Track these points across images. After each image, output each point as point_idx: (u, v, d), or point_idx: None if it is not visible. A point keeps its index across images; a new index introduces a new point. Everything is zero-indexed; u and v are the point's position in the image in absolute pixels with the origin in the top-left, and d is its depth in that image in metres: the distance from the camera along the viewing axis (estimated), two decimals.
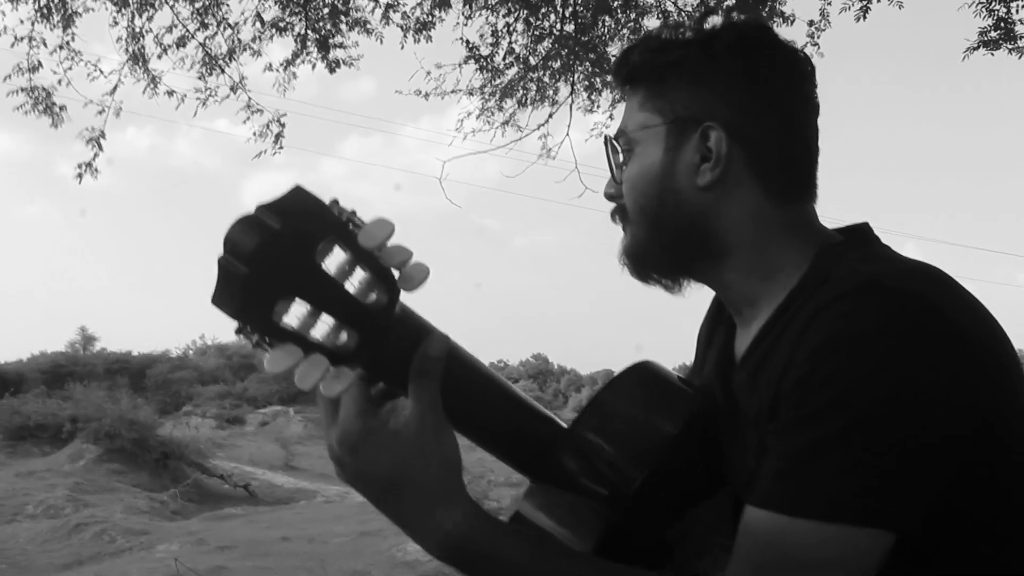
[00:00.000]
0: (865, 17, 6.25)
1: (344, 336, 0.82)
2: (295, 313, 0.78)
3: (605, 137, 1.11)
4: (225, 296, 0.75)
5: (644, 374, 1.14)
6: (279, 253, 0.74)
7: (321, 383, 0.81)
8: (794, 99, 1.06)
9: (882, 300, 0.86)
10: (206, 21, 6.84)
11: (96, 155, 6.83)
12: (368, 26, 6.94)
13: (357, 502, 18.69)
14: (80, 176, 6.82)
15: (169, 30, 6.88)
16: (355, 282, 0.80)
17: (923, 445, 0.82)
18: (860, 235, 1.07)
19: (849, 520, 0.81)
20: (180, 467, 19.58)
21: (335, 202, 0.80)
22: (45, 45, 6.80)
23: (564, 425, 1.11)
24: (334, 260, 0.79)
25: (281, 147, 7.26)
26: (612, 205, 1.14)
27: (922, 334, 0.83)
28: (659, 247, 1.07)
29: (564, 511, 1.04)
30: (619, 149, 1.08)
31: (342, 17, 6.84)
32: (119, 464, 18.83)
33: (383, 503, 0.96)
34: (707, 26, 1.06)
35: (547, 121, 6.86)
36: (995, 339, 0.90)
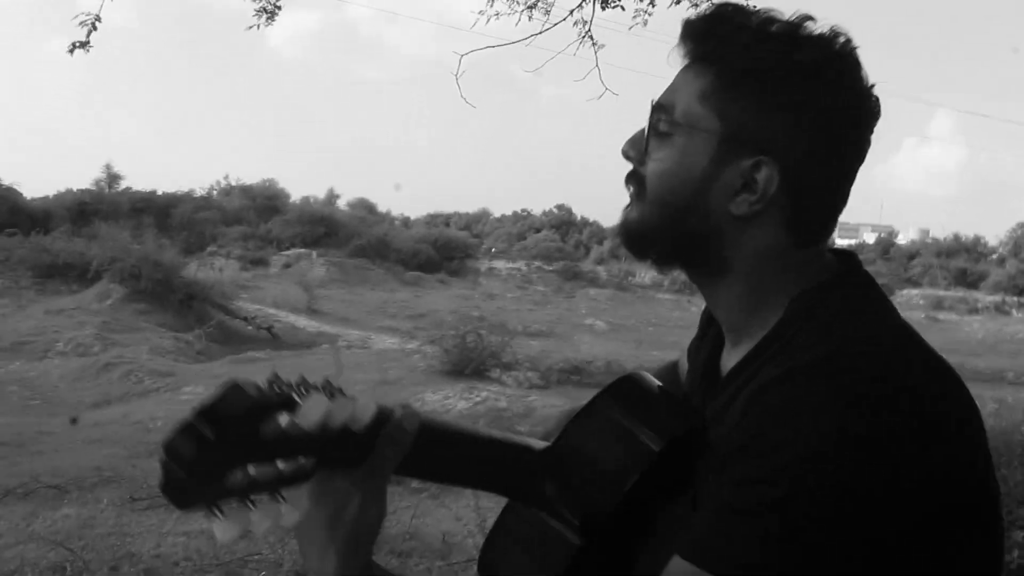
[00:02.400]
0: None
1: (300, 461, 0.86)
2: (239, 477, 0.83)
3: (659, 103, 1.02)
4: (169, 493, 0.81)
5: (629, 390, 1.12)
6: (216, 457, 0.79)
7: (281, 520, 0.85)
8: (854, 147, 1.00)
9: (838, 380, 0.85)
10: None
11: None
12: None
13: (377, 350, 19.10)
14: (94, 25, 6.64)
15: None
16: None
17: (849, 526, 0.82)
18: (846, 274, 1.03)
19: None
20: (204, 308, 19.94)
21: (274, 381, 0.84)
22: None
23: (542, 446, 1.11)
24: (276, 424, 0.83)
25: None
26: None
27: (867, 419, 0.83)
28: (667, 242, 1.04)
29: (535, 540, 1.05)
30: (659, 122, 1.01)
31: None
32: (145, 304, 19.19)
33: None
34: (796, 37, 0.97)
35: (580, 5, 6.50)
36: (954, 407, 0.90)
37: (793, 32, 0.97)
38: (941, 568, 0.88)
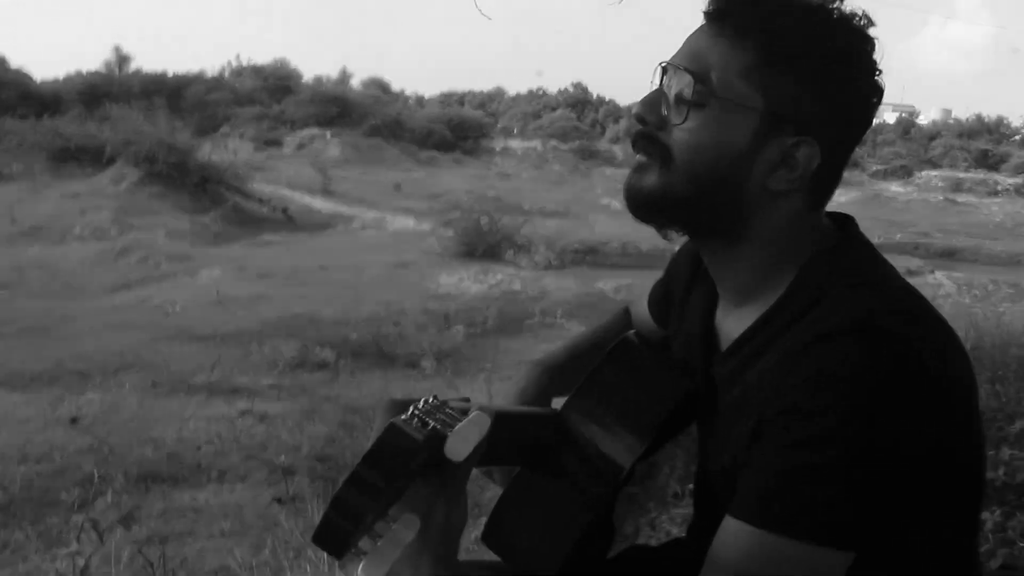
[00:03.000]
0: None
1: None
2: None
3: (670, 67, 1.03)
4: (329, 543, 0.79)
5: (632, 354, 1.16)
6: (381, 504, 0.80)
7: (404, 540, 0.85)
8: (869, 124, 1.06)
9: (870, 345, 0.90)
10: None
11: None
12: None
13: (392, 231, 19.15)
14: None
15: None
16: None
17: (895, 479, 0.90)
18: (849, 239, 1.07)
19: (828, 542, 0.89)
20: (219, 191, 19.94)
21: (419, 413, 0.82)
22: None
23: (552, 412, 1.15)
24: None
25: None
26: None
27: (902, 381, 0.89)
28: (693, 213, 1.05)
29: (553, 506, 1.09)
30: (692, 92, 1.00)
31: None
32: (160, 187, 19.20)
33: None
34: (835, 20, 1.00)
35: None
36: (961, 374, 0.97)
37: (831, 15, 0.99)
38: (948, 515, 0.99)
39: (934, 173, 38.09)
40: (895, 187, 33.24)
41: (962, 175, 37.70)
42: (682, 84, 1.01)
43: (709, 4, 1.01)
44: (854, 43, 1.00)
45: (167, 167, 19.22)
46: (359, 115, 33.36)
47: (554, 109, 42.34)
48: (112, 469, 5.64)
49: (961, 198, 31.71)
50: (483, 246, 14.55)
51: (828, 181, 1.04)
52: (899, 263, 16.33)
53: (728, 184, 1.01)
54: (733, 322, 1.10)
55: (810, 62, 0.98)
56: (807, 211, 1.04)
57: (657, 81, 1.05)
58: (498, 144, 35.42)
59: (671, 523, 2.59)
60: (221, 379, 7.76)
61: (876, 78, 1.02)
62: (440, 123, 34.14)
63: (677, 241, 1.19)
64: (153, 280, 13.01)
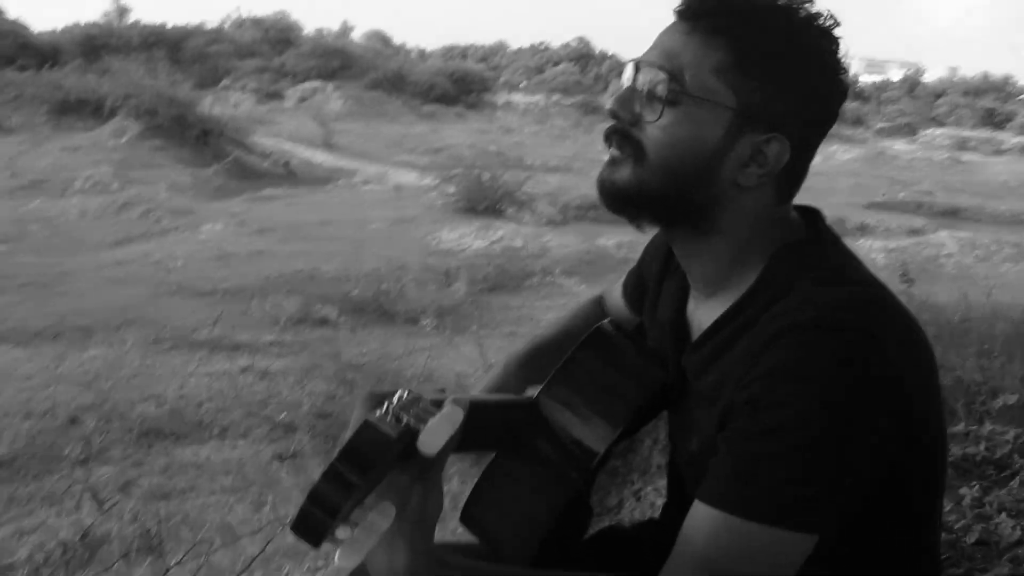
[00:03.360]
0: None
1: None
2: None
3: (643, 64, 1.05)
4: (305, 534, 0.82)
5: (606, 343, 1.19)
6: (356, 497, 0.83)
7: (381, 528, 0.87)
8: (834, 119, 1.09)
9: (833, 338, 0.94)
10: None
11: None
12: None
13: (393, 186, 19.09)
14: None
15: None
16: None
17: (854, 467, 0.94)
18: (816, 233, 1.10)
19: (791, 526, 0.93)
20: (221, 144, 19.86)
21: (392, 409, 0.84)
22: None
23: (527, 399, 1.17)
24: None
25: None
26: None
27: (864, 374, 0.93)
28: (665, 207, 1.07)
29: (526, 490, 1.13)
30: (666, 90, 1.02)
31: None
32: (161, 140, 19.12)
33: None
34: (804, 19, 1.03)
35: None
36: (921, 367, 1.01)
37: (799, 15, 1.03)
38: (910, 500, 1.04)
39: (939, 131, 37.81)
40: (899, 145, 33.04)
41: (967, 133, 37.41)
42: (656, 81, 1.03)
43: (681, 3, 1.04)
44: (822, 43, 1.03)
45: (168, 120, 19.13)
46: (361, 68, 33.11)
47: (557, 64, 41.98)
48: (114, 425, 5.70)
49: (966, 156, 31.49)
50: (485, 202, 14.52)
51: (796, 175, 1.07)
52: (902, 222, 16.28)
53: (700, 180, 1.04)
54: (703, 312, 1.13)
55: (780, 61, 1.01)
56: (775, 204, 1.08)
57: (630, 77, 1.07)
58: (500, 98, 35.16)
59: (656, 495, 2.62)
60: (222, 335, 7.80)
61: (841, 76, 1.05)
62: (442, 76, 33.87)
63: (650, 232, 1.20)
64: (154, 235, 13.01)
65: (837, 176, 25.53)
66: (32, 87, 21.39)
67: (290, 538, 3.70)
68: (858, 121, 36.70)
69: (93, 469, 5.25)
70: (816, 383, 0.92)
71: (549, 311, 9.03)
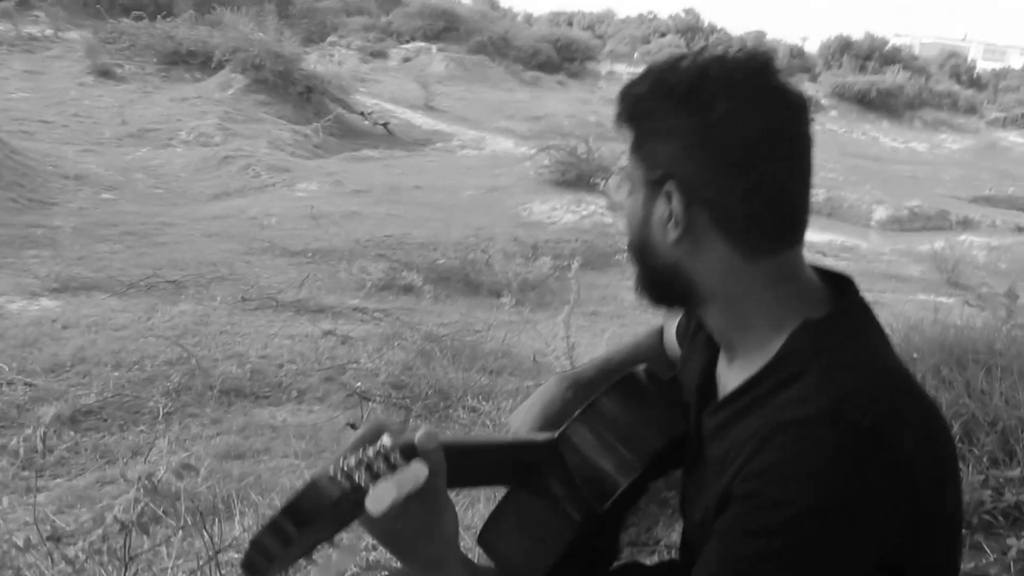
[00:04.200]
0: None
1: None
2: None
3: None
4: (250, 571, 0.91)
5: (635, 389, 1.19)
6: (296, 548, 0.91)
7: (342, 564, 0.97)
8: (764, 151, 1.04)
9: (836, 436, 0.92)
10: None
11: None
12: None
13: (490, 152, 19.14)
14: None
15: None
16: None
17: (846, 571, 0.93)
18: (841, 309, 1.08)
19: None
20: (323, 101, 20.12)
21: (345, 471, 0.92)
22: None
23: (545, 438, 1.17)
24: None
25: None
26: None
27: (865, 475, 0.91)
28: (648, 285, 1.15)
29: (535, 526, 1.14)
30: (620, 181, 1.14)
31: None
32: (265, 95, 19.45)
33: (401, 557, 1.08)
34: (684, 65, 1.06)
35: None
36: (936, 465, 0.98)
37: (670, 66, 1.07)
38: None
39: None
40: (1013, 136, 31.72)
41: None
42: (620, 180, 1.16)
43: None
44: (687, 85, 1.04)
45: (273, 75, 19.43)
46: (466, 30, 33.13)
47: (663, 35, 41.32)
48: (198, 381, 5.87)
49: None
50: (578, 175, 14.43)
51: (740, 226, 1.05)
52: (1008, 219, 15.67)
53: (647, 252, 1.10)
54: (729, 374, 1.14)
55: (652, 113, 1.06)
56: (746, 261, 1.05)
57: None
58: (604, 68, 34.81)
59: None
60: (308, 297, 7.95)
61: (729, 107, 1.02)
62: (547, 43, 33.65)
63: None
64: (252, 190, 13.28)
65: (944, 166, 24.75)
66: (145, 37, 21.92)
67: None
68: (971, 109, 35.30)
69: (174, 424, 5.42)
70: (813, 485, 0.91)
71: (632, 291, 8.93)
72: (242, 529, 3.55)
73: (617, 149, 15.50)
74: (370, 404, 5.80)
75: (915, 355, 2.70)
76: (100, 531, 2.32)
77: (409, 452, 0.94)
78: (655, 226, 1.08)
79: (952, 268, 10.93)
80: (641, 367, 1.27)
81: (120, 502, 4.48)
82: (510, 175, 15.62)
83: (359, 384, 6.00)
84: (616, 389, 1.23)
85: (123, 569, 2.29)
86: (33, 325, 6.59)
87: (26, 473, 4.65)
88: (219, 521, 3.95)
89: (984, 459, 2.33)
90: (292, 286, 8.28)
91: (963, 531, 2.01)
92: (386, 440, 0.93)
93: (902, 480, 0.92)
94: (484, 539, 1.21)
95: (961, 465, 2.26)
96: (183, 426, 5.39)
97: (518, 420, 1.32)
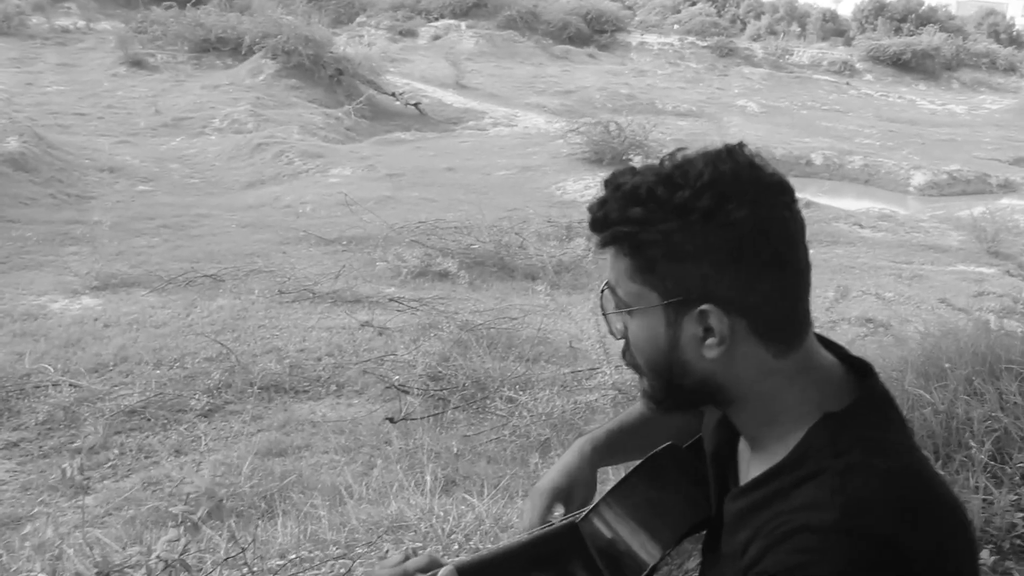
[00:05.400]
0: None
1: None
2: None
3: (607, 285, 1.11)
4: None
5: (660, 471, 1.21)
6: None
7: None
8: (785, 248, 1.04)
9: (847, 545, 0.93)
10: None
11: None
12: None
13: (522, 129, 19.09)
14: None
15: None
16: None
17: None
18: (861, 400, 1.07)
19: None
20: (354, 84, 20.15)
21: None
22: None
23: (567, 522, 1.18)
24: None
25: None
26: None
27: None
28: (677, 399, 1.11)
29: None
30: (614, 303, 1.09)
31: None
32: (296, 80, 19.51)
33: None
34: (679, 179, 1.02)
35: None
36: (954, 556, 0.98)
37: (667, 184, 1.02)
38: None
39: None
40: None
41: None
42: (607, 300, 1.11)
43: (589, 220, 1.08)
44: (701, 200, 1.01)
45: (304, 59, 19.48)
46: (495, 6, 32.93)
47: (693, 3, 40.79)
48: (238, 378, 5.94)
49: None
50: (611, 152, 14.36)
51: (775, 325, 1.04)
52: None
53: (675, 371, 1.07)
54: (749, 459, 1.14)
55: (669, 243, 1.02)
56: (777, 358, 1.05)
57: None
58: (634, 39, 34.50)
59: None
60: (344, 288, 7.99)
61: (741, 208, 1.01)
62: (576, 15, 33.38)
63: None
64: (286, 177, 13.35)
65: (983, 127, 24.33)
66: (175, 25, 22.04)
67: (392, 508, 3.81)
68: (1011, 68, 34.57)
69: (216, 422, 5.50)
70: None
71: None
72: (284, 533, 3.59)
73: (647, 123, 15.44)
74: (407, 397, 5.84)
75: (947, 365, 2.65)
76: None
77: None
78: (686, 346, 1.04)
79: (992, 237, 10.76)
80: (666, 446, 1.29)
81: (167, 501, 4.56)
82: (543, 153, 15.58)
83: (397, 377, 6.04)
84: (642, 470, 1.25)
85: None
86: (76, 324, 6.70)
87: (70, 475, 4.73)
88: (261, 523, 4.02)
89: (1016, 477, 2.27)
90: (328, 276, 8.33)
91: (991, 556, 2.00)
92: None
93: None
94: None
95: (991, 485, 2.21)
96: (225, 424, 5.46)
97: (545, 487, 1.34)
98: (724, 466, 1.19)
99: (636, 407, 1.50)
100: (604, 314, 1.12)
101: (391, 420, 5.54)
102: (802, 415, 1.05)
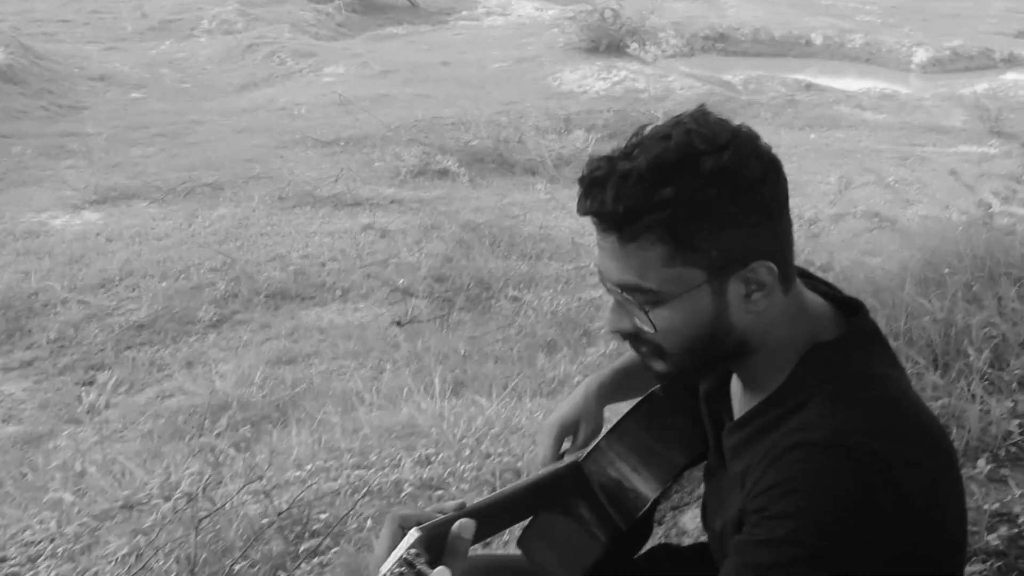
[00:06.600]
0: None
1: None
2: None
3: (619, 286, 1.06)
4: None
5: (655, 412, 1.29)
6: None
7: None
8: (782, 190, 1.06)
9: (842, 461, 0.97)
10: None
11: None
12: None
13: (516, 19, 18.71)
14: None
15: None
16: None
17: None
18: (850, 334, 1.10)
19: None
20: None
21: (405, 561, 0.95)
22: None
23: (571, 461, 1.20)
24: None
25: None
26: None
27: (866, 493, 0.96)
28: (708, 369, 1.15)
29: (566, 541, 1.24)
30: (641, 305, 1.05)
31: None
32: None
33: None
34: (700, 145, 1.00)
35: None
36: (937, 488, 1.02)
37: (688, 153, 1.00)
38: None
39: None
40: None
41: None
42: (630, 302, 1.06)
43: (596, 220, 1.03)
44: (723, 164, 1.00)
45: None
46: None
47: None
48: (244, 287, 5.98)
49: None
50: (608, 38, 14.09)
51: (791, 268, 1.08)
52: None
53: (720, 338, 1.07)
54: (742, 393, 1.17)
55: (703, 218, 1.00)
56: (786, 297, 1.08)
57: (609, 299, 1.10)
58: None
59: None
60: (344, 190, 7.96)
61: (748, 169, 1.01)
62: None
63: None
64: (278, 78, 13.15)
65: (988, 0, 23.73)
66: None
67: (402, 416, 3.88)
68: None
69: (224, 332, 5.56)
70: (817, 499, 0.96)
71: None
72: (299, 443, 3.65)
73: (644, 8, 15.11)
74: (413, 300, 5.88)
75: (946, 271, 2.66)
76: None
77: (436, 548, 1.00)
78: (734, 308, 1.05)
79: (996, 116, 10.63)
80: (658, 388, 1.33)
81: (182, 413, 4.65)
82: (538, 44, 15.29)
83: (401, 280, 6.07)
84: (638, 410, 1.29)
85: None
86: (78, 240, 6.72)
87: (86, 391, 4.82)
88: (276, 433, 4.10)
89: (1014, 384, 2.29)
90: (327, 180, 8.29)
91: (987, 464, 2.02)
92: (412, 543, 0.97)
93: (900, 506, 0.96)
94: (522, 544, 1.27)
95: (987, 394, 2.23)
96: (233, 334, 5.52)
97: (554, 423, 1.37)
98: (718, 403, 1.21)
99: None
100: (628, 331, 1.10)
101: (398, 324, 5.60)
102: (795, 350, 1.08)
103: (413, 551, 0.96)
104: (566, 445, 1.36)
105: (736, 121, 1.06)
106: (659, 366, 1.11)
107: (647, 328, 1.06)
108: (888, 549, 0.97)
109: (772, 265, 1.03)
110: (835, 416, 1.00)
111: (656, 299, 1.04)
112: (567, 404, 1.40)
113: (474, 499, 1.20)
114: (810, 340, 1.08)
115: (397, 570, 0.95)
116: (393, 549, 0.99)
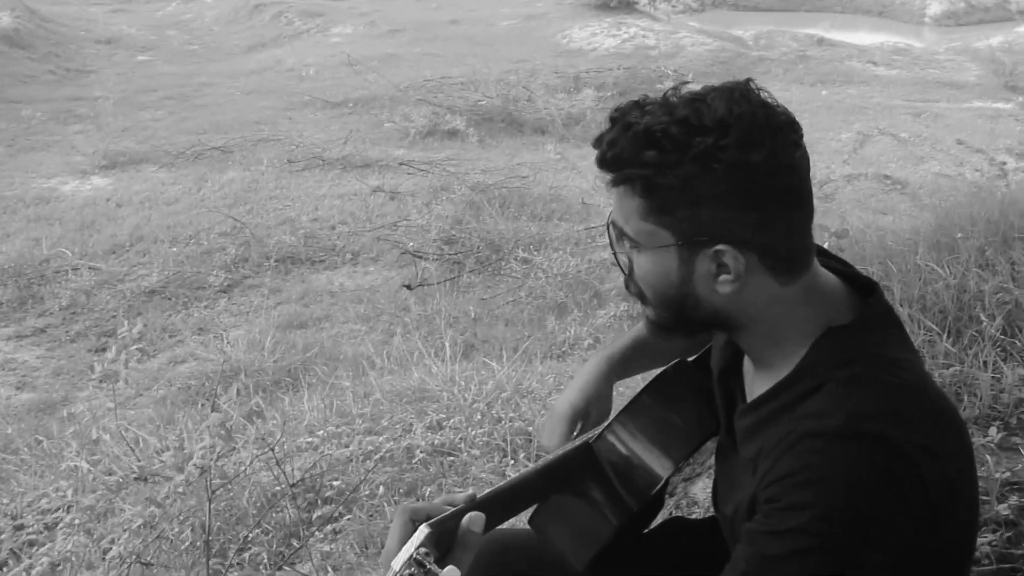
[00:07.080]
0: None
1: None
2: None
3: (612, 224, 1.10)
4: None
5: (669, 390, 1.27)
6: None
7: None
8: (797, 184, 1.04)
9: (852, 448, 0.96)
10: None
11: None
12: None
13: None
14: None
15: None
16: None
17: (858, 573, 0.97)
18: (865, 316, 1.09)
19: None
20: None
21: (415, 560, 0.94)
22: None
23: (583, 441, 1.21)
24: None
25: None
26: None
27: (878, 484, 0.95)
28: (688, 328, 1.13)
29: (577, 523, 1.24)
30: (623, 242, 1.08)
31: None
32: None
33: None
34: (695, 121, 1.00)
35: None
36: (952, 475, 1.01)
37: (683, 132, 1.00)
38: None
39: None
40: None
41: None
42: (615, 239, 1.10)
43: (597, 158, 1.05)
44: (714, 143, 0.99)
45: None
46: None
47: None
48: (254, 252, 5.98)
49: None
50: None
51: (785, 258, 1.06)
52: None
53: (687, 304, 1.08)
54: (755, 375, 1.16)
55: (687, 186, 1.00)
56: (784, 286, 1.06)
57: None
58: None
59: None
60: (353, 153, 7.94)
61: (753, 150, 1.00)
62: None
63: None
64: (286, 39, 13.09)
65: None
66: None
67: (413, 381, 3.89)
68: None
69: (235, 297, 5.57)
70: (831, 489, 0.96)
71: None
72: (311, 407, 3.67)
73: None
74: (423, 262, 5.87)
75: (959, 235, 2.62)
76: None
77: (446, 542, 1.01)
78: (699, 282, 1.06)
79: (1010, 71, 10.49)
80: (674, 364, 1.33)
81: (195, 379, 4.68)
82: (547, 0, 15.16)
83: (411, 243, 6.06)
84: (652, 388, 1.28)
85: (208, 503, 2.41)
86: (88, 206, 6.72)
87: (97, 358, 4.84)
88: (288, 397, 4.12)
89: None
90: (336, 142, 8.26)
91: (998, 433, 2.01)
92: (421, 542, 0.97)
93: (918, 492, 0.96)
94: (534, 523, 1.27)
95: (1002, 361, 2.20)
96: (244, 299, 5.53)
97: (564, 410, 1.36)
98: (731, 383, 1.21)
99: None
100: (614, 252, 1.12)
101: (408, 287, 5.60)
102: (806, 333, 1.08)
103: (423, 550, 0.96)
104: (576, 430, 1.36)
105: (768, 97, 1.05)
106: (648, 312, 1.14)
107: (627, 270, 1.10)
108: (902, 539, 0.97)
109: (739, 254, 1.03)
110: (850, 402, 1.00)
111: (634, 245, 1.07)
112: (576, 387, 1.40)
113: (484, 465, 1.19)
114: (824, 323, 1.08)
115: (407, 572, 0.95)
116: (404, 543, 0.99)
